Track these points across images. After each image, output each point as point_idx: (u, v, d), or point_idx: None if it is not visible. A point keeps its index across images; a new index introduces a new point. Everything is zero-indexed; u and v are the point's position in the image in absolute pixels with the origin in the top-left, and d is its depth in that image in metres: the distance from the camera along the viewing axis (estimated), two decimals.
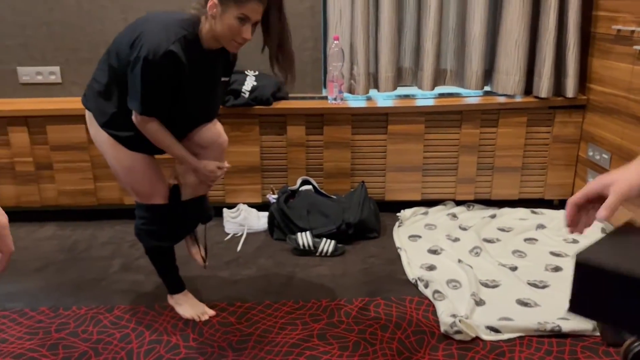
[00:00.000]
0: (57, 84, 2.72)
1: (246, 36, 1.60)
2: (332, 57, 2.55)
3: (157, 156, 1.81)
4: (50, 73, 2.70)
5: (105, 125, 1.71)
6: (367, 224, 2.49)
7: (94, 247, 2.47)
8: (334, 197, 2.64)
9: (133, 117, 1.66)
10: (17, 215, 2.62)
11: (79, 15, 2.62)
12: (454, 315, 1.82)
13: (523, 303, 1.94)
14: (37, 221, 2.67)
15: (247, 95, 2.53)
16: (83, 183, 2.64)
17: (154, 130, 1.66)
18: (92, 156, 2.59)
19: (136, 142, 1.71)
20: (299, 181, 2.65)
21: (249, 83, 2.56)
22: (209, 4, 1.58)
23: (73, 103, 2.58)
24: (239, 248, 2.44)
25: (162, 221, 1.83)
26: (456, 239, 2.44)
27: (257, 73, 2.64)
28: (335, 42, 2.54)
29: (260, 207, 2.68)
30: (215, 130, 1.84)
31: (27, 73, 2.69)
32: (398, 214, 2.70)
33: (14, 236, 2.38)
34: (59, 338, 1.82)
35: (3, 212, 0.74)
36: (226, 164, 1.86)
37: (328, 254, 2.34)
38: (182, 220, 1.88)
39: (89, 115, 1.75)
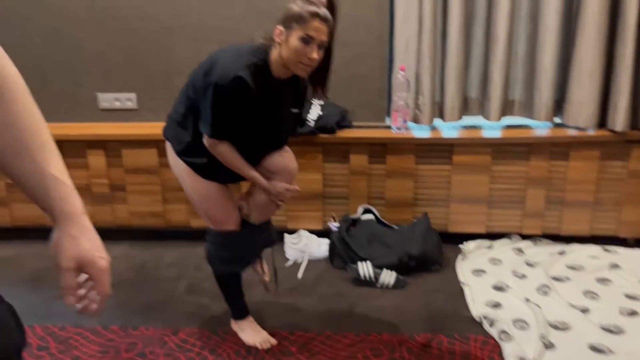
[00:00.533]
0: (133, 110, 2.87)
1: (312, 56, 1.64)
2: (398, 86, 2.56)
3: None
4: (127, 99, 2.85)
5: (181, 154, 1.79)
6: (429, 256, 2.45)
7: (161, 268, 2.56)
8: (396, 227, 2.62)
9: (204, 140, 1.73)
10: None
11: (156, 45, 2.75)
12: (521, 359, 1.75)
13: (596, 349, 1.85)
14: (111, 240, 2.78)
15: (312, 123, 2.57)
16: (153, 205, 2.75)
17: (225, 151, 1.74)
18: (163, 179, 2.70)
19: (210, 170, 1.79)
20: (360, 210, 2.65)
21: (315, 112, 2.60)
22: (275, 32, 1.66)
23: (147, 128, 2.70)
24: (300, 275, 2.46)
25: (234, 247, 1.89)
26: (523, 276, 2.36)
27: (322, 102, 2.68)
28: (401, 72, 2.54)
29: (320, 233, 2.70)
30: (286, 157, 1.89)
31: (106, 99, 2.85)
32: (461, 246, 2.64)
33: None
34: (128, 358, 1.89)
35: (105, 255, 0.77)
36: (296, 187, 1.89)
37: (389, 286, 2.32)
38: (252, 245, 1.93)
39: (168, 145, 1.84)
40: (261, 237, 1.96)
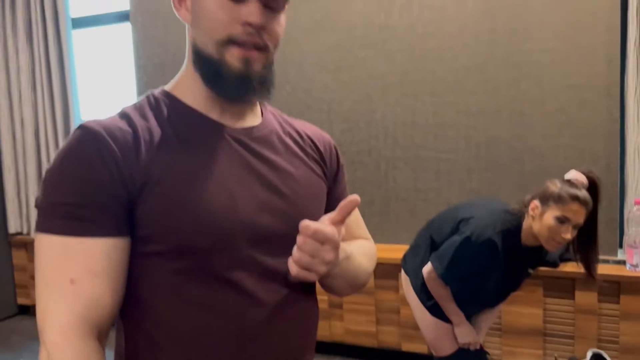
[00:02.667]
0: None
1: (566, 236, 1.64)
2: (632, 221, 2.35)
3: None
4: None
5: (415, 289, 1.92)
6: None
7: None
8: None
9: (424, 269, 1.83)
10: None
11: (377, 175, 3.01)
12: None
13: None
14: (326, 354, 2.98)
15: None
16: (367, 324, 2.87)
17: (440, 290, 1.82)
18: (377, 300, 2.83)
19: (439, 310, 1.88)
20: (589, 354, 2.39)
21: None
22: (531, 205, 1.70)
23: None
24: None
25: None
26: None
27: None
28: (636, 206, 2.35)
29: None
30: (493, 313, 1.91)
31: None
32: None
33: None
34: None
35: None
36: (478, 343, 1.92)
37: None
38: None
39: (403, 274, 2.02)
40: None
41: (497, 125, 2.70)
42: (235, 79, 0.79)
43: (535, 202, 1.68)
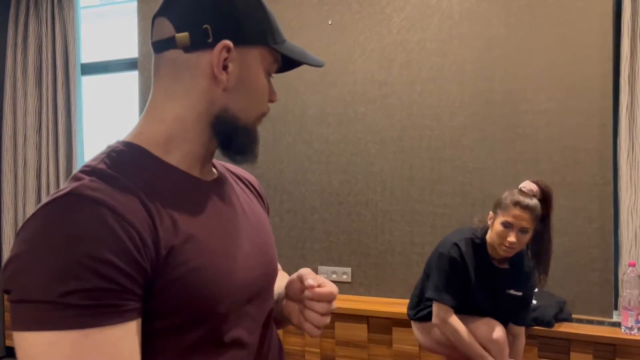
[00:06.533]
0: (347, 283, 3.10)
1: (510, 240, 1.82)
2: (627, 283, 2.35)
3: None
4: (343, 273, 3.11)
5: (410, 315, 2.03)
6: None
7: None
8: None
9: (434, 319, 1.94)
10: None
11: (373, 227, 3.03)
12: None
13: None
14: None
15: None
16: None
17: (456, 325, 1.92)
18: (370, 355, 2.78)
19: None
20: None
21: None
22: (488, 215, 1.93)
23: (360, 303, 2.87)
24: None
25: None
26: None
27: (537, 290, 2.57)
28: (630, 267, 2.35)
29: None
30: (492, 326, 2.00)
31: (325, 272, 3.15)
32: None
33: None
34: None
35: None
36: None
37: None
38: None
39: (414, 324, 2.14)
40: None
41: (492, 182, 2.74)
42: (257, 144, 0.86)
43: (491, 212, 1.91)
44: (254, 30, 0.80)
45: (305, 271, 0.89)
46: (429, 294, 1.98)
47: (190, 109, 0.80)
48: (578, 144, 2.59)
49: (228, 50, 0.77)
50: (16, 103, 3.67)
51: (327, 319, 0.87)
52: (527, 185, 1.93)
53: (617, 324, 2.44)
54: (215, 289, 0.73)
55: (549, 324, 2.45)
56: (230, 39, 0.77)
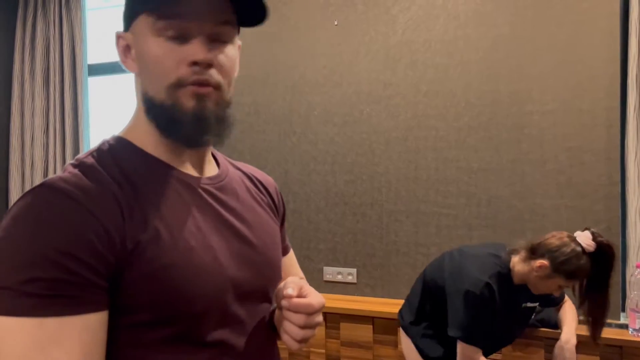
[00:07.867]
0: (352, 284, 3.09)
1: (556, 294, 1.85)
2: (635, 285, 2.33)
3: None
4: (348, 274, 3.10)
5: (415, 342, 1.93)
6: None
7: None
8: None
9: (459, 358, 1.83)
10: None
11: (378, 228, 3.02)
12: None
13: None
14: None
15: (533, 315, 2.44)
16: None
17: None
18: (375, 356, 2.77)
19: None
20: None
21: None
22: (538, 263, 1.78)
23: (365, 304, 2.87)
24: None
25: None
26: None
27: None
28: (638, 269, 2.33)
29: None
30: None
31: (330, 272, 3.14)
32: None
33: None
34: None
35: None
36: None
37: None
38: None
39: (401, 331, 2.07)
40: None
41: (498, 183, 2.73)
42: (191, 119, 0.75)
43: (545, 264, 1.76)
44: (131, 5, 0.81)
45: (291, 279, 0.85)
46: (453, 332, 1.83)
47: (138, 102, 0.84)
48: (584, 145, 2.57)
49: (119, 37, 0.82)
50: (24, 103, 3.70)
51: (308, 333, 0.81)
52: (585, 240, 1.80)
53: (625, 326, 2.42)
54: (189, 287, 0.71)
55: (556, 326, 2.43)
56: (124, 25, 0.83)
